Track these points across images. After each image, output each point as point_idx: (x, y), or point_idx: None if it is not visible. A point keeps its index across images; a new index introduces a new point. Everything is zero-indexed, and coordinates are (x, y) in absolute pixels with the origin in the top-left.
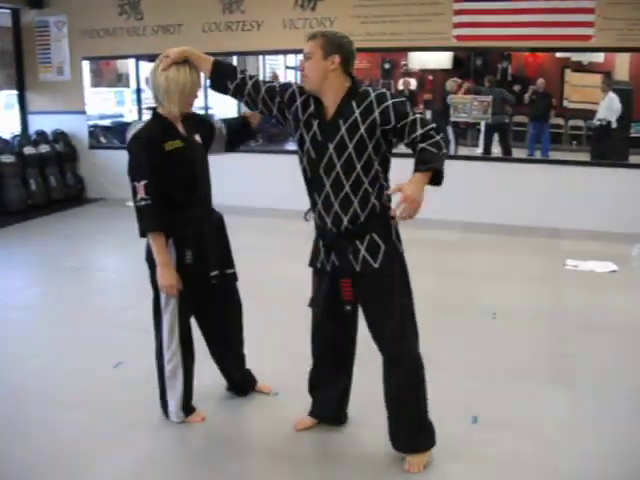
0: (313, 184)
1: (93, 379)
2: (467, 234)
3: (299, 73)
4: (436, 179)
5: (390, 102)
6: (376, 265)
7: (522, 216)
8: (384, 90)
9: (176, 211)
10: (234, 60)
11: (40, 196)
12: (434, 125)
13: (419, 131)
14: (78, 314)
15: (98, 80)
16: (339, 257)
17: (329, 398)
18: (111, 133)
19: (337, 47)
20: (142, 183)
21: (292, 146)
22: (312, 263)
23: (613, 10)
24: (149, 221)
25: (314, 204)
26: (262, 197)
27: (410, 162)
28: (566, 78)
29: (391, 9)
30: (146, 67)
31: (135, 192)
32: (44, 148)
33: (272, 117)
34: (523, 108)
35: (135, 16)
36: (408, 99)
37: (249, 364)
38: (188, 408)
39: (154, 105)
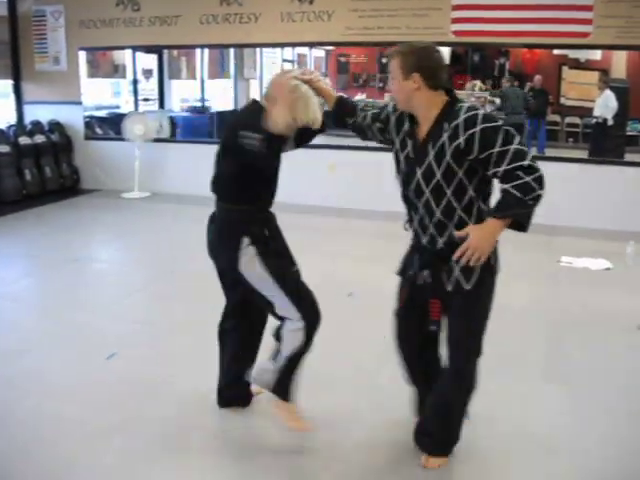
0: (407, 203)
1: (87, 370)
2: None
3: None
4: (518, 225)
5: (478, 128)
6: (468, 287)
7: None
8: (476, 110)
9: (255, 209)
10: (231, 52)
11: (35, 186)
12: (527, 162)
13: (503, 167)
14: (72, 305)
15: (94, 71)
16: (432, 276)
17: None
18: (107, 124)
19: (415, 65)
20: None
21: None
22: (402, 273)
23: (611, 7)
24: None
25: (410, 220)
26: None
27: None
28: (563, 75)
29: (389, 3)
30: (142, 58)
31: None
32: (39, 138)
33: (383, 143)
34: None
35: (132, 7)
36: None
37: None
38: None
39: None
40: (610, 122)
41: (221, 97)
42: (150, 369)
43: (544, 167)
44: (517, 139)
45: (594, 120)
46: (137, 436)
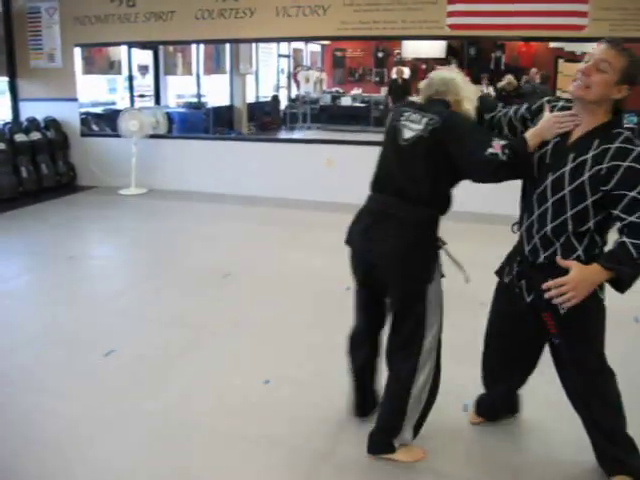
0: (525, 204)
1: (84, 366)
2: (457, 223)
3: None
4: (617, 284)
5: (626, 163)
6: (562, 311)
7: (505, 205)
8: (634, 145)
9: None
10: (227, 48)
11: (31, 184)
12: None
13: (632, 217)
14: (70, 302)
15: (90, 67)
16: (528, 287)
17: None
18: (103, 121)
19: (634, 77)
20: (495, 142)
21: (286, 134)
22: (500, 274)
23: (607, 0)
24: (519, 144)
25: (520, 223)
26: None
27: None
28: (559, 68)
29: None
30: (138, 54)
31: (490, 155)
32: (35, 135)
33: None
34: (517, 98)
35: (127, 3)
36: (401, 87)
37: None
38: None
39: None
40: None
41: (217, 92)
42: (148, 365)
43: None
44: None
45: None
46: (135, 431)
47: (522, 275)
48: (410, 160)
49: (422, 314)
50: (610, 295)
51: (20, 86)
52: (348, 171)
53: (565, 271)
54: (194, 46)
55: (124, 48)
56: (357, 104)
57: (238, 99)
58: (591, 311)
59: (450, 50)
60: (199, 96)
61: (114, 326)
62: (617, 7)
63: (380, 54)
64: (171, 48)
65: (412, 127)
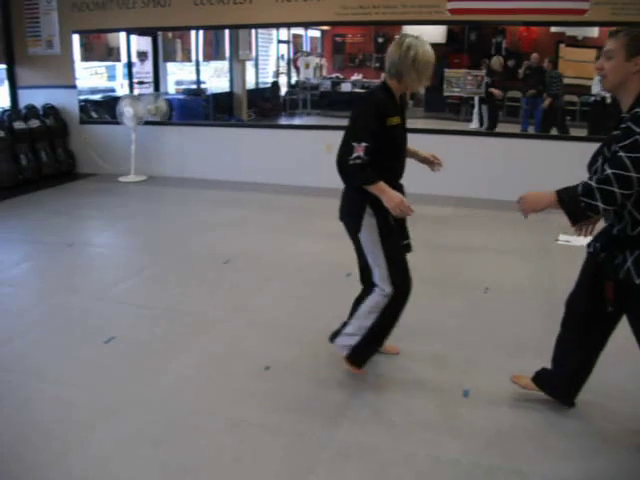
0: None
1: (85, 354)
2: (460, 209)
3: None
4: (570, 212)
5: (627, 123)
6: (637, 281)
7: (514, 191)
8: None
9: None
10: (226, 34)
11: (31, 171)
12: (613, 172)
13: (607, 170)
14: (69, 289)
15: (89, 54)
16: (606, 257)
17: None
18: (102, 108)
19: None
20: (363, 144)
21: (286, 121)
22: (588, 245)
23: None
24: (368, 175)
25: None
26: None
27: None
28: (560, 53)
29: None
30: (136, 41)
31: (351, 150)
32: (34, 123)
33: None
34: (517, 83)
35: None
36: None
37: None
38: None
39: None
40: (608, 100)
41: (217, 79)
42: (149, 352)
43: (542, 145)
44: (634, 154)
45: (592, 98)
46: (137, 418)
47: (604, 246)
48: None
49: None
50: None
51: (18, 73)
52: None
53: (636, 245)
54: (193, 32)
55: (123, 34)
56: (357, 90)
57: (238, 85)
58: None
59: (451, 35)
60: (199, 82)
61: (114, 313)
62: None
63: (380, 39)
64: (170, 34)
65: None
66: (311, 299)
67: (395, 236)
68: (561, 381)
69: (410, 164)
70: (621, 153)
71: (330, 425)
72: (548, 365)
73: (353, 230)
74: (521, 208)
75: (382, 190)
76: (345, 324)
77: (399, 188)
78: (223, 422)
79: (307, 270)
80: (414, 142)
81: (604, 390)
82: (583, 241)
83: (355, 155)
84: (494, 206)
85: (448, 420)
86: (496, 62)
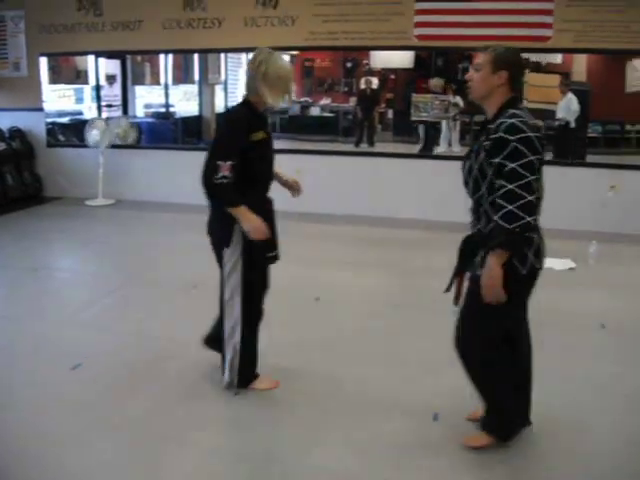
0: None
1: (51, 381)
2: (430, 233)
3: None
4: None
5: (498, 134)
6: (479, 273)
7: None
8: (513, 118)
9: (247, 194)
10: (195, 58)
11: None
12: (517, 185)
13: (500, 181)
14: (35, 315)
15: (56, 77)
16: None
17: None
18: (70, 131)
19: (506, 62)
20: (228, 163)
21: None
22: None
23: (571, 12)
24: (233, 196)
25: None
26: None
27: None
28: (525, 78)
29: (353, 8)
30: (105, 64)
31: (217, 169)
32: (0, 146)
33: None
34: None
35: (94, 12)
36: (370, 98)
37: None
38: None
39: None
40: (572, 124)
41: (186, 102)
42: (115, 378)
43: None
44: (522, 161)
45: (557, 123)
46: (103, 445)
47: (466, 245)
48: None
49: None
50: (576, 300)
51: None
52: (317, 180)
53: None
54: (162, 56)
55: (91, 57)
56: (326, 114)
57: (207, 109)
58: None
59: (418, 60)
60: (167, 106)
61: (80, 339)
62: (580, 19)
63: (349, 64)
64: (139, 58)
65: None
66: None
67: (260, 261)
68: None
69: (391, 191)
70: (510, 165)
71: (300, 450)
72: None
73: (220, 244)
74: (490, 300)
75: (242, 213)
76: (223, 354)
77: (268, 202)
78: (191, 447)
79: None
80: (384, 167)
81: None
82: (551, 263)
83: (221, 175)
84: (460, 229)
85: (418, 441)
86: (436, 84)
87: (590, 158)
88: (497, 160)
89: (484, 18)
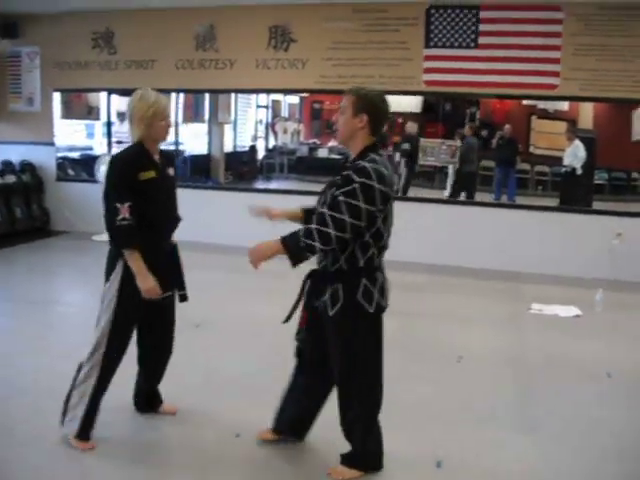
0: None
1: (52, 418)
2: (433, 276)
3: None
4: (293, 257)
5: (348, 172)
6: (330, 313)
7: (487, 259)
8: (366, 163)
9: (144, 237)
10: (206, 97)
11: (4, 227)
12: (330, 215)
13: (323, 207)
14: (36, 348)
15: (68, 112)
16: (310, 291)
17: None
18: (79, 166)
19: (367, 106)
20: (126, 205)
21: (263, 184)
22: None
23: (578, 61)
24: (129, 239)
25: None
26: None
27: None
28: (532, 125)
29: (363, 52)
30: (118, 101)
31: (117, 212)
32: (10, 178)
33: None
34: (490, 153)
35: (108, 50)
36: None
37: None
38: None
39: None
40: (579, 171)
41: (195, 140)
42: (122, 416)
43: (514, 215)
44: (353, 201)
45: (563, 169)
46: None
47: (310, 279)
48: None
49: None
50: (582, 348)
51: None
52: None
53: (332, 281)
54: (173, 94)
55: (103, 94)
56: (334, 156)
57: (216, 148)
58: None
59: (426, 105)
60: (177, 144)
61: None
62: (587, 68)
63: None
64: None
65: None
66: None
67: (134, 305)
68: None
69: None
70: (340, 198)
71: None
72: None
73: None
74: (250, 260)
75: (138, 268)
76: (68, 397)
77: (168, 247)
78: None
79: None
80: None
81: None
82: (556, 310)
83: (121, 217)
84: (467, 274)
85: None
86: (412, 127)
87: (596, 205)
88: (337, 193)
89: (492, 65)
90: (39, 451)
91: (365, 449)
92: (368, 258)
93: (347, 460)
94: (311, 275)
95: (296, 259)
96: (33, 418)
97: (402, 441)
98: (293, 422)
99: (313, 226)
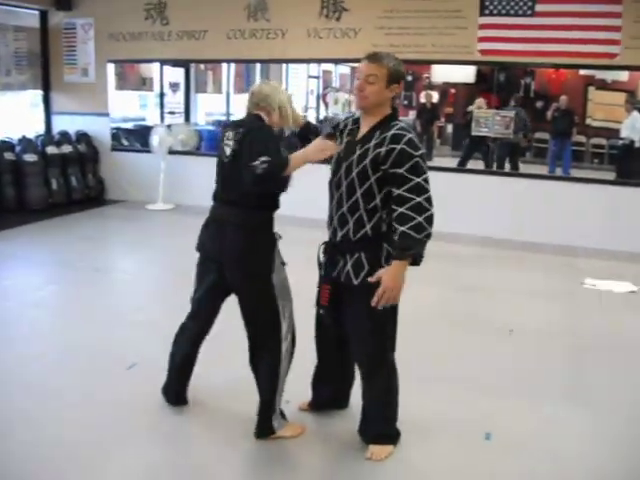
0: (329, 195)
1: (106, 379)
2: (485, 249)
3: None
4: (416, 261)
5: (399, 146)
6: (355, 282)
7: (541, 233)
8: (405, 132)
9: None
10: (257, 67)
11: (61, 196)
12: (424, 198)
13: (402, 209)
14: (94, 314)
15: (122, 83)
16: (328, 263)
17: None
18: (133, 136)
19: (400, 77)
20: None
21: None
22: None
23: (639, 29)
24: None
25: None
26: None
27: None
28: (589, 96)
29: (415, 21)
30: (170, 71)
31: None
32: (67, 148)
33: None
34: (545, 125)
35: (161, 21)
36: (430, 111)
37: None
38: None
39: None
40: (637, 144)
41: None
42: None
43: (569, 188)
44: (424, 175)
45: (621, 142)
46: (151, 447)
47: (325, 252)
48: (235, 173)
49: (273, 302)
50: (638, 325)
51: (53, 100)
52: None
53: (354, 249)
54: (225, 65)
55: (156, 65)
56: None
57: None
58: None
59: (480, 75)
60: (228, 114)
61: (136, 340)
62: None
63: (409, 77)
64: (202, 66)
65: (229, 144)
66: None
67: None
68: None
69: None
70: (416, 178)
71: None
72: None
73: (261, 275)
74: (389, 297)
75: (304, 155)
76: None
77: None
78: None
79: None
80: (442, 181)
81: None
82: (610, 286)
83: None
84: (520, 247)
85: (473, 464)
86: (428, 97)
87: None
88: (400, 171)
89: (549, 34)
90: (94, 417)
91: (393, 425)
92: (389, 222)
93: (377, 440)
94: (326, 247)
95: (422, 257)
96: (92, 377)
97: (451, 413)
98: (330, 397)
99: (418, 218)
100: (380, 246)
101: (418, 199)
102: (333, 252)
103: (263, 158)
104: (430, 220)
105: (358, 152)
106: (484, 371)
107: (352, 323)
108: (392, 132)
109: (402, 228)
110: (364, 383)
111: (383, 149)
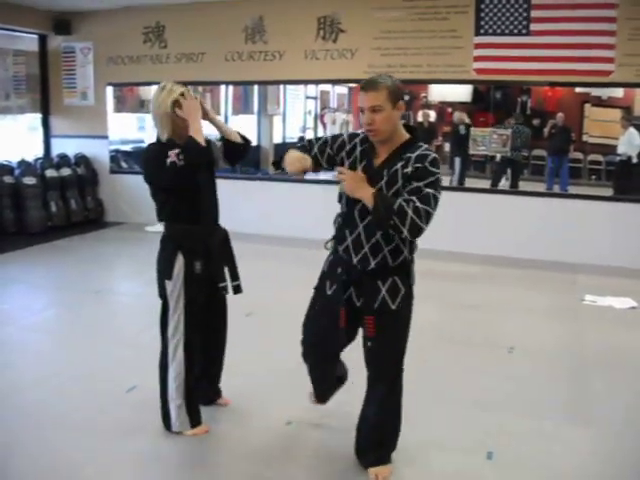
0: (347, 220)
1: (105, 402)
2: (485, 267)
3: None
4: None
5: (425, 163)
6: (393, 307)
7: (540, 250)
8: (431, 153)
9: (185, 225)
10: (255, 89)
11: (60, 218)
12: (428, 209)
13: (412, 196)
14: (94, 336)
15: (121, 106)
16: (358, 293)
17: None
18: (132, 158)
19: (400, 93)
20: None
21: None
22: (320, 289)
23: (633, 46)
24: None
25: (343, 238)
26: (287, 226)
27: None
28: (586, 113)
29: (412, 42)
30: None
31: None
32: (66, 171)
33: (327, 168)
34: (542, 142)
35: (159, 44)
36: (427, 130)
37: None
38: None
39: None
40: (634, 160)
41: (244, 132)
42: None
43: (567, 204)
44: (437, 193)
45: (618, 158)
46: (150, 470)
47: (350, 283)
48: None
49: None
50: (639, 341)
51: (53, 123)
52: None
53: (389, 274)
54: (223, 87)
55: (155, 87)
56: None
57: (265, 139)
58: (406, 308)
59: (476, 94)
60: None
61: (136, 362)
62: None
63: (406, 97)
64: (200, 88)
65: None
66: None
67: (200, 296)
68: None
69: (439, 223)
70: (429, 190)
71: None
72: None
73: (162, 275)
74: (343, 178)
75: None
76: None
77: (221, 234)
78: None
79: None
80: (442, 199)
81: None
82: (610, 301)
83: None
84: (519, 264)
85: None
86: (425, 116)
87: None
88: (419, 184)
89: (544, 52)
90: (89, 437)
91: (395, 443)
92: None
93: (379, 462)
94: (353, 278)
95: (380, 227)
96: (88, 404)
97: (453, 432)
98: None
99: (410, 211)
100: (410, 268)
101: (422, 206)
102: (366, 281)
103: (174, 151)
104: (414, 228)
105: (386, 178)
106: (485, 389)
107: (384, 347)
108: (418, 153)
109: (409, 197)
110: (377, 404)
111: (409, 169)
